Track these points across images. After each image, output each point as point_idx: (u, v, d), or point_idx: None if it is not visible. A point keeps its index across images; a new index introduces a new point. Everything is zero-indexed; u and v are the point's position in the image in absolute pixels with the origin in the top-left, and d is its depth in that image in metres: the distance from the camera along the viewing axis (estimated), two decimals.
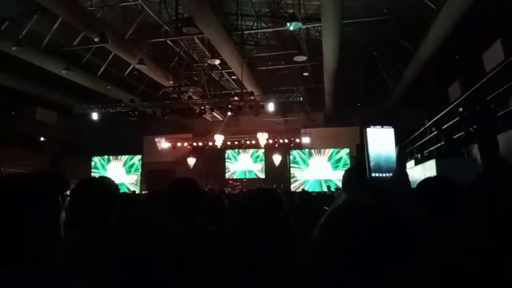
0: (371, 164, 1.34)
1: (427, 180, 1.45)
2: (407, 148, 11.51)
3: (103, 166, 17.74)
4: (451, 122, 7.52)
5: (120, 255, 0.73)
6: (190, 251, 0.75)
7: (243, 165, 17.53)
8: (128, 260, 0.71)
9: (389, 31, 10.05)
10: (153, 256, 0.71)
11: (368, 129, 1.41)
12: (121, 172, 17.42)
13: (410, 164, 8.35)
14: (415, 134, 10.71)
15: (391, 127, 1.48)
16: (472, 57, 10.02)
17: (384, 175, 1.39)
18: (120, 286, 0.71)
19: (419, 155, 9.68)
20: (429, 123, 9.24)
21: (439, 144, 8.33)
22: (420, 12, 8.49)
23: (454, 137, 7.44)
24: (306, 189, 14.36)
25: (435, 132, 8.81)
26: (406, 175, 1.37)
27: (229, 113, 13.75)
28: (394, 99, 13.64)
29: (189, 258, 0.74)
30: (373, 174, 1.36)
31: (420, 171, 6.56)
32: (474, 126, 5.66)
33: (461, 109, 6.45)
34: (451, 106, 8.29)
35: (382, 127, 1.46)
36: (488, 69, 8.55)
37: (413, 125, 10.68)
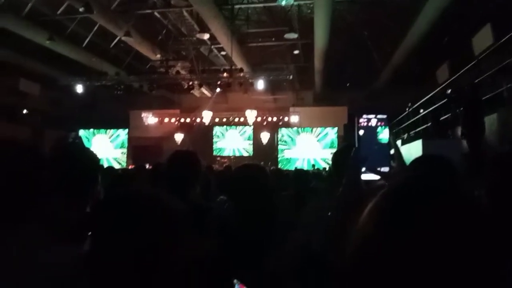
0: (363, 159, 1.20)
1: (419, 159, 1.48)
2: (394, 129, 11.65)
3: (88, 140, 17.47)
4: (437, 104, 7.61)
5: (112, 226, 0.72)
6: (186, 225, 0.74)
7: (231, 142, 17.48)
8: (120, 231, 0.70)
9: (379, 13, 9.96)
10: (145, 228, 0.70)
11: (360, 119, 1.22)
12: (108, 146, 17.20)
13: (397, 143, 8.47)
14: (402, 115, 10.83)
15: (385, 115, 1.27)
16: (462, 40, 10.04)
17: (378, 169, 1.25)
18: (110, 256, 0.70)
19: (405, 136, 9.82)
20: (416, 104, 9.34)
21: (425, 125, 8.46)
22: None
23: (441, 119, 7.56)
24: (294, 167, 14.47)
25: (422, 114, 8.91)
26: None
27: (217, 90, 13.60)
28: (383, 81, 13.67)
29: (183, 232, 0.73)
30: (364, 174, 1.21)
31: (406, 151, 6.66)
32: (461, 109, 5.74)
33: (449, 91, 6.51)
34: (438, 89, 8.38)
35: (375, 117, 1.25)
36: (477, 53, 8.61)
37: (401, 107, 10.77)
